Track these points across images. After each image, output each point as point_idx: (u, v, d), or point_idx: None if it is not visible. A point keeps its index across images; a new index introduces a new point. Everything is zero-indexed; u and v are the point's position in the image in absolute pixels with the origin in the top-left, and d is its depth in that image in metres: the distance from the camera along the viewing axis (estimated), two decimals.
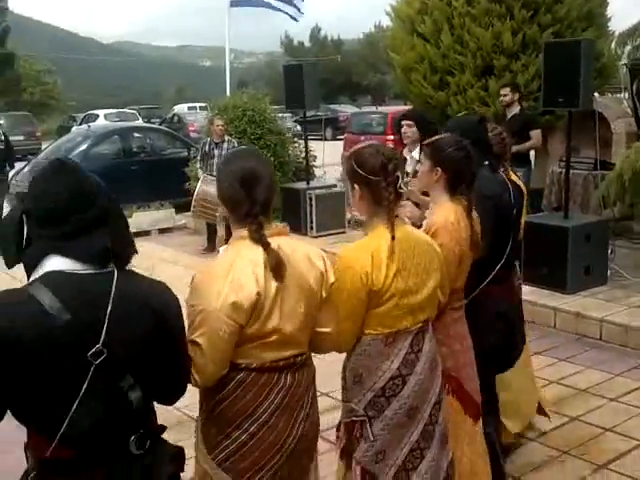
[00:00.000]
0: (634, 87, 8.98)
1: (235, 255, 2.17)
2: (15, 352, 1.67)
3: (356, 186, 2.53)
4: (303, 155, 10.77)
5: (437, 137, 3.12)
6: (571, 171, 7.34)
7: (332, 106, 34.66)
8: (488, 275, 3.29)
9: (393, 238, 2.45)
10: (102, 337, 1.74)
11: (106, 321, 1.74)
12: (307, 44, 55.16)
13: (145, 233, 10.68)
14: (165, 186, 11.56)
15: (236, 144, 9.44)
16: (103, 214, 1.86)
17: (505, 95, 7.81)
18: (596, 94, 9.38)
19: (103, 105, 40.20)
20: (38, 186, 1.85)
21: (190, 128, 24.37)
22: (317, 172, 11.60)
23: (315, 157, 11.55)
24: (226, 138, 9.35)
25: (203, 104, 29.02)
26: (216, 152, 9.30)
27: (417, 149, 4.90)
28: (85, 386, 1.73)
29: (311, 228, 9.47)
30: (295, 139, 11.91)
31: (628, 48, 8.85)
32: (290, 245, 2.26)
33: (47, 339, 1.69)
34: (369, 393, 2.52)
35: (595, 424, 4.40)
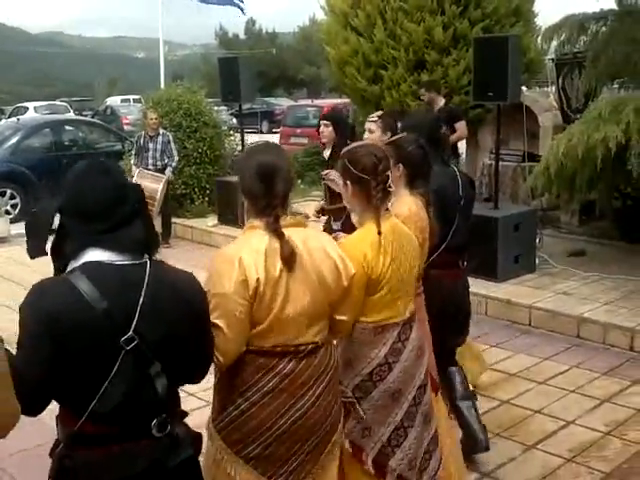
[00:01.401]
0: (560, 81, 9.31)
1: (244, 243, 2.31)
2: (55, 335, 1.79)
3: (348, 183, 2.73)
4: (239, 148, 10.74)
5: (398, 137, 3.39)
6: (500, 163, 7.57)
7: (268, 99, 34.56)
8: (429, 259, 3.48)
9: (379, 233, 2.64)
10: (134, 324, 1.85)
11: (138, 309, 1.86)
12: (242, 37, 54.74)
13: None
14: None
15: (171, 137, 9.36)
16: (137, 208, 1.98)
17: (423, 95, 7.94)
18: (524, 88, 9.66)
19: (33, 97, 39.02)
20: (79, 186, 1.96)
21: (124, 121, 23.90)
22: None
23: None
24: (161, 131, 9.25)
25: (137, 96, 28.52)
26: (151, 146, 9.20)
27: (329, 150, 5.52)
28: (115, 369, 1.85)
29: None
30: (231, 132, 11.86)
31: (554, 43, 9.11)
32: (304, 236, 2.36)
33: (84, 324, 1.81)
34: (357, 377, 2.71)
35: (525, 406, 4.57)
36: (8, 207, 11.58)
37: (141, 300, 1.87)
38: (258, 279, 2.21)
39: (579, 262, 7.26)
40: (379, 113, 5.05)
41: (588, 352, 5.50)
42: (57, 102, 33.52)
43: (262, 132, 16.67)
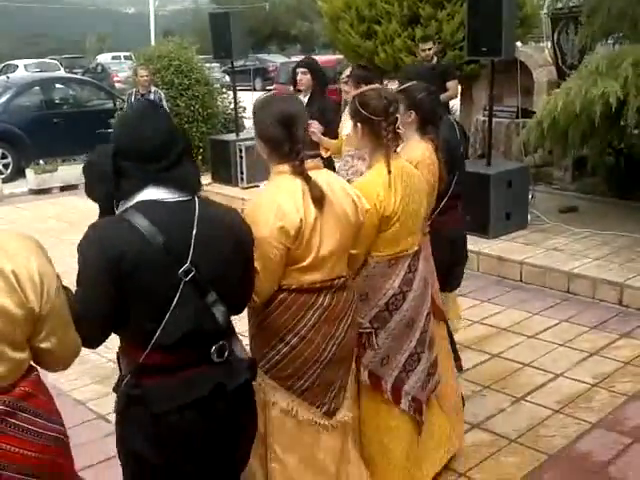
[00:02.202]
0: (555, 36, 9.22)
1: (276, 188, 2.43)
2: (118, 272, 1.91)
3: (359, 125, 2.88)
4: (232, 106, 10.67)
5: (409, 84, 3.52)
6: (494, 119, 7.54)
7: (261, 56, 34.11)
8: (438, 206, 3.67)
9: (389, 172, 2.81)
10: (190, 256, 1.98)
11: (192, 242, 1.99)
12: None
13: (72, 187, 10.45)
14: (91, 139, 11.21)
15: (163, 95, 9.28)
16: (186, 148, 2.11)
17: (429, 49, 7.77)
18: (518, 43, 9.57)
19: (22, 55, 38.39)
20: (136, 128, 2.04)
21: (115, 78, 23.63)
22: (246, 123, 11.51)
23: (244, 108, 11.44)
24: (152, 89, 9.16)
25: (127, 53, 28.13)
26: None
27: (307, 97, 5.66)
28: (176, 300, 1.97)
29: (241, 179, 9.47)
30: (224, 90, 11.75)
31: None
32: (324, 178, 2.51)
33: (145, 258, 1.93)
34: (374, 309, 2.90)
35: (515, 360, 4.66)
36: (0, 167, 11.53)
37: (194, 234, 1.99)
38: (301, 219, 2.35)
39: (571, 218, 7.29)
40: (347, 72, 5.12)
41: (578, 307, 5.57)
42: (47, 60, 33.02)
43: (255, 89, 16.48)
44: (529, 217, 7.17)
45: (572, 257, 6.19)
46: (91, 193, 2.12)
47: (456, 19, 9.29)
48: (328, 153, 5.02)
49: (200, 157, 10.38)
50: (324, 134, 4.99)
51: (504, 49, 6.52)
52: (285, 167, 2.42)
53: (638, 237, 6.57)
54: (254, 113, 2.53)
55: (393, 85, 4.90)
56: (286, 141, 2.40)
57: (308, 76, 5.64)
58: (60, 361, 1.90)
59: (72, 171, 10.65)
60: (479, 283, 6.11)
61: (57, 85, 13.46)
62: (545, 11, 9.75)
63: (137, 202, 2.00)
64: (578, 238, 6.71)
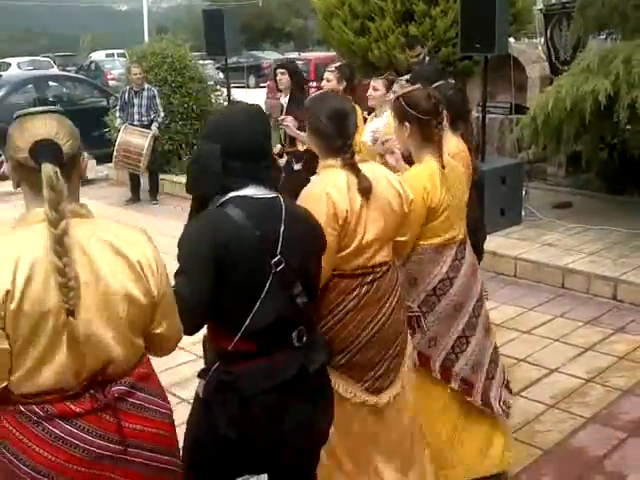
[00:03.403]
0: (548, 32, 9.24)
1: (326, 180, 2.57)
2: (225, 257, 2.04)
3: (407, 124, 2.99)
4: (226, 103, 10.65)
5: (438, 84, 3.66)
6: (488, 115, 7.56)
7: (255, 53, 34.09)
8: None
9: (443, 167, 2.98)
10: (279, 249, 2.12)
11: (281, 236, 2.13)
12: None
13: None
14: (84, 137, 11.16)
15: (156, 92, 9.25)
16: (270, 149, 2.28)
17: (419, 54, 7.67)
18: (512, 39, 9.58)
19: (15, 53, 38.26)
20: (246, 128, 2.18)
21: (109, 76, 23.60)
22: None
23: None
24: (146, 86, 9.13)
25: (121, 51, 28.07)
26: (136, 101, 9.08)
27: (287, 96, 5.96)
28: (266, 289, 2.10)
29: None
30: (217, 87, 11.73)
31: None
32: (371, 170, 2.64)
33: (246, 248, 2.07)
34: (422, 293, 3.05)
35: (510, 355, 4.65)
36: None
37: (282, 228, 2.14)
38: (347, 210, 2.49)
39: (565, 214, 7.32)
40: (337, 64, 5.29)
41: (572, 302, 5.59)
42: (40, 57, 32.93)
43: (249, 87, 16.49)
44: (523, 213, 7.19)
45: (566, 252, 6.21)
46: (194, 186, 2.24)
47: (449, 15, 9.29)
48: (305, 146, 5.21)
49: None
50: (299, 128, 5.31)
51: (497, 45, 6.53)
52: (332, 161, 2.58)
53: (632, 232, 6.59)
54: (307, 109, 2.70)
55: (378, 84, 4.96)
56: (336, 136, 2.54)
57: (286, 76, 5.97)
58: (168, 345, 1.96)
59: None
60: None
61: (51, 83, 13.39)
62: (540, 7, 9.76)
63: (233, 197, 2.13)
64: (572, 233, 6.73)
